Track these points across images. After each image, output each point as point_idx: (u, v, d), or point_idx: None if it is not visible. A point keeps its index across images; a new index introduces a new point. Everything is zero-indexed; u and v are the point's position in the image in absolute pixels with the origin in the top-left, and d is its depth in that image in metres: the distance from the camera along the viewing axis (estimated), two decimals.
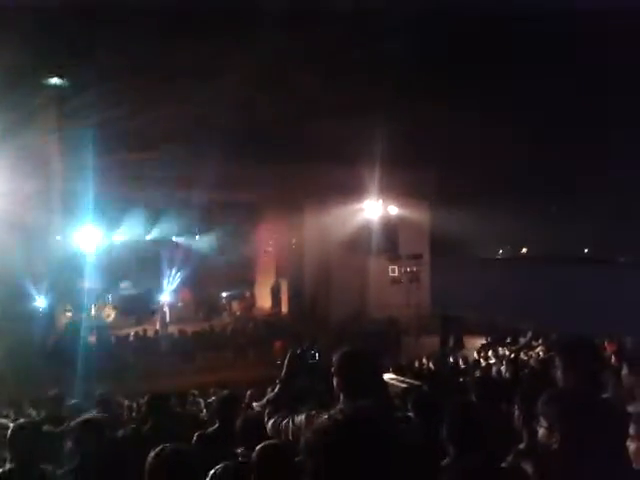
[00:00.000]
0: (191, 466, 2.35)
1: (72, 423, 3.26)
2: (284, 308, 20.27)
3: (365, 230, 18.17)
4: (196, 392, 8.03)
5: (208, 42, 13.23)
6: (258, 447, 2.48)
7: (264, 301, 21.52)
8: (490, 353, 12.23)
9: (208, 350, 15.08)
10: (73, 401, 6.02)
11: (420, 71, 15.54)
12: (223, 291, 20.80)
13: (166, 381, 11.84)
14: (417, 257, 18.62)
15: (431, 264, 19.85)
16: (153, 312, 18.79)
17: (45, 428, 4.38)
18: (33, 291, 16.05)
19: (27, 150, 12.76)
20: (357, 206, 18.41)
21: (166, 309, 18.68)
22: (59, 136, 13.94)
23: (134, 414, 7.84)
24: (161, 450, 2.33)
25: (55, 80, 14.87)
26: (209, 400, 8.20)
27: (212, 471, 2.69)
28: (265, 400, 2.76)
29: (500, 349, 13.02)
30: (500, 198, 17.75)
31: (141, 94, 13.24)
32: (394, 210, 18.76)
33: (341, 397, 2.27)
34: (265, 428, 2.86)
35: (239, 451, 3.11)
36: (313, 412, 2.29)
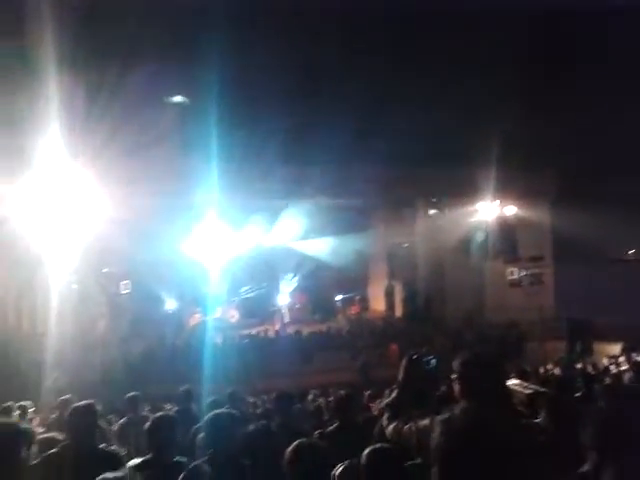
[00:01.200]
0: (326, 460, 2.51)
1: (206, 417, 3.50)
2: (398, 311, 20.23)
3: (481, 232, 17.66)
4: (317, 391, 8.29)
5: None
6: (368, 450, 2.50)
7: (378, 304, 21.61)
8: (621, 359, 11.41)
9: (325, 351, 15.45)
10: (210, 398, 6.45)
11: (536, 68, 14.85)
12: (337, 294, 21.19)
13: (287, 380, 12.31)
14: (538, 259, 17.79)
15: (554, 266, 18.85)
16: (272, 314, 19.63)
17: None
18: (164, 295, 17.44)
19: (155, 165, 13.87)
20: (472, 207, 17.96)
21: (284, 311, 19.42)
22: (184, 150, 15.02)
23: (258, 410, 8.26)
24: (299, 444, 2.52)
25: (178, 98, 16.07)
26: (329, 399, 8.43)
27: (334, 471, 2.74)
28: (384, 404, 2.80)
29: (634, 355, 12.10)
30: (627, 194, 16.40)
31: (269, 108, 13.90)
32: (512, 210, 18.07)
33: (462, 403, 2.28)
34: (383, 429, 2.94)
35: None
36: (438, 417, 2.28)
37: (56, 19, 10.66)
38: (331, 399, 8.41)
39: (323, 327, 17.83)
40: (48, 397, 9.54)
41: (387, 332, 17.14)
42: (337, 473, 2.74)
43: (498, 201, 17.94)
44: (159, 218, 15.06)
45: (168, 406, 8.68)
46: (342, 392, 5.98)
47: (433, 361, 2.63)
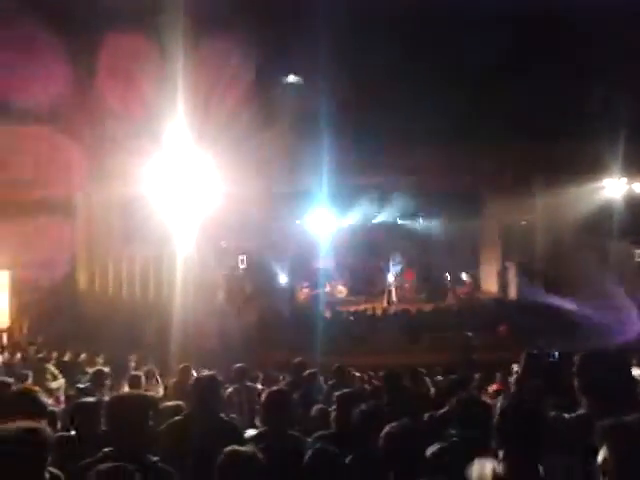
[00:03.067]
0: (420, 444, 2.51)
1: (336, 394, 3.58)
2: (512, 292, 19.47)
3: (606, 211, 16.44)
4: (424, 370, 8.27)
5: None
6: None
7: (490, 284, 20.93)
8: None
9: (433, 330, 15.32)
10: (312, 370, 6.67)
11: None
12: (447, 273, 20.79)
13: (393, 358, 12.40)
14: None
15: None
16: (380, 291, 19.72)
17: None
18: (277, 270, 18.13)
19: (270, 144, 14.31)
20: (596, 184, 16.75)
21: (392, 289, 19.42)
22: (296, 131, 15.34)
23: (365, 385, 8.41)
24: (393, 427, 2.51)
25: (292, 78, 16.36)
26: (436, 379, 8.39)
27: (428, 451, 2.70)
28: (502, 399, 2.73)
29: None
30: None
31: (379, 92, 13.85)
32: None
33: (583, 399, 2.20)
34: (487, 411, 2.88)
35: (452, 432, 3.07)
36: (553, 413, 2.24)
37: (186, 3, 11.27)
38: (439, 379, 8.39)
39: (431, 306, 17.64)
40: (170, 362, 10.34)
41: (498, 314, 16.62)
42: (432, 452, 2.71)
43: (625, 178, 16.61)
44: (274, 197, 15.62)
45: (280, 376, 9.09)
46: (454, 376, 5.92)
47: (555, 354, 2.55)
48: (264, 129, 13.72)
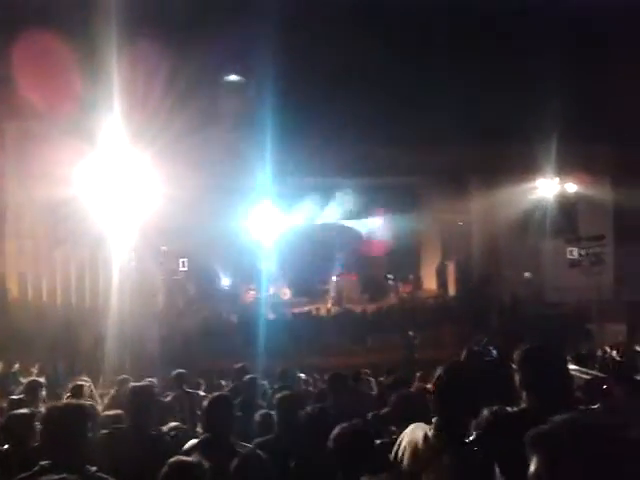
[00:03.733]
0: (370, 445, 2.50)
1: (277, 396, 3.52)
2: (451, 290, 19.97)
3: (539, 210, 17.11)
4: (368, 371, 8.32)
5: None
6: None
7: (430, 283, 21.39)
8: None
9: (377, 330, 15.48)
10: (253, 375, 6.57)
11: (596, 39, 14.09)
12: (389, 273, 21.07)
13: (338, 359, 12.44)
14: (599, 238, 17.08)
15: (615, 246, 18.11)
16: (324, 292, 19.77)
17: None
18: (220, 272, 17.87)
19: (210, 144, 14.06)
20: (530, 184, 17.40)
21: (336, 289, 19.52)
22: (238, 130, 15.16)
23: (310, 388, 8.37)
24: (344, 428, 2.51)
25: (233, 77, 16.17)
26: (380, 379, 8.45)
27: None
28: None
29: None
30: None
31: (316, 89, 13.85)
32: (572, 188, 17.41)
33: (524, 393, 2.24)
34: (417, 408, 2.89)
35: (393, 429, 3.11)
36: (495, 408, 2.27)
37: (122, 3, 10.90)
38: (382, 379, 8.46)
39: (374, 306, 17.83)
40: (107, 373, 9.97)
41: (439, 312, 16.99)
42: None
43: (558, 178, 17.32)
44: (216, 198, 15.36)
45: (224, 382, 8.92)
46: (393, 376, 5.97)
47: (494, 352, 2.59)
48: (205, 128, 13.47)
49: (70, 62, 11.72)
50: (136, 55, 11.78)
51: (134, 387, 3.51)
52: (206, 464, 2.49)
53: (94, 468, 2.54)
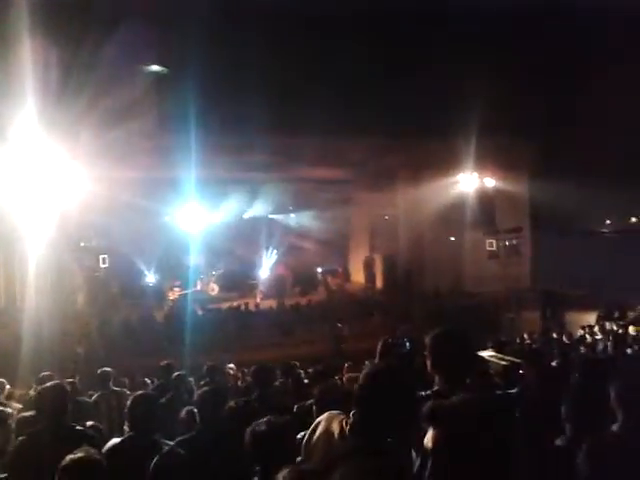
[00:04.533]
0: (287, 439, 2.48)
1: (198, 392, 3.45)
2: (378, 283, 20.41)
3: (460, 203, 17.77)
4: (297, 363, 8.36)
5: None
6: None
7: (358, 276, 21.77)
8: (596, 329, 11.71)
9: (306, 323, 15.57)
10: (180, 372, 6.47)
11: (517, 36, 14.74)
12: (318, 266, 21.27)
13: (267, 352, 12.42)
14: (516, 230, 18.00)
15: (532, 238, 19.12)
16: (253, 287, 19.68)
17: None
18: (144, 268, 17.36)
19: (132, 137, 13.60)
20: (452, 179, 18.02)
21: (264, 284, 19.48)
22: (161, 122, 14.74)
23: (239, 382, 8.32)
24: (258, 424, 2.44)
25: (155, 67, 15.67)
26: (309, 371, 8.51)
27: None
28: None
29: (607, 324, 12.44)
30: (606, 165, 16.54)
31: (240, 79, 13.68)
32: (491, 183, 18.19)
33: (435, 378, 2.32)
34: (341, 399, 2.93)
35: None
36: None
37: None
38: (310, 371, 8.52)
39: (304, 299, 17.94)
40: (26, 373, 9.49)
41: (367, 304, 17.31)
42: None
43: (477, 173, 18.02)
44: (138, 192, 14.87)
45: (148, 380, 8.71)
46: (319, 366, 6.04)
47: (407, 344, 2.66)
48: (127, 120, 13.00)
49: None
50: (50, 44, 11.19)
51: (44, 388, 3.36)
52: (104, 461, 2.42)
53: (3, 475, 2.46)
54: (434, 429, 1.85)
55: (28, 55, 10.86)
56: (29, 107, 11.24)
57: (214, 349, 12.57)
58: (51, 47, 11.13)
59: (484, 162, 17.41)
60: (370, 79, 14.57)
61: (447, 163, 17.02)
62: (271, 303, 17.77)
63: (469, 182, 18.11)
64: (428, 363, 2.36)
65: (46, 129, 11.73)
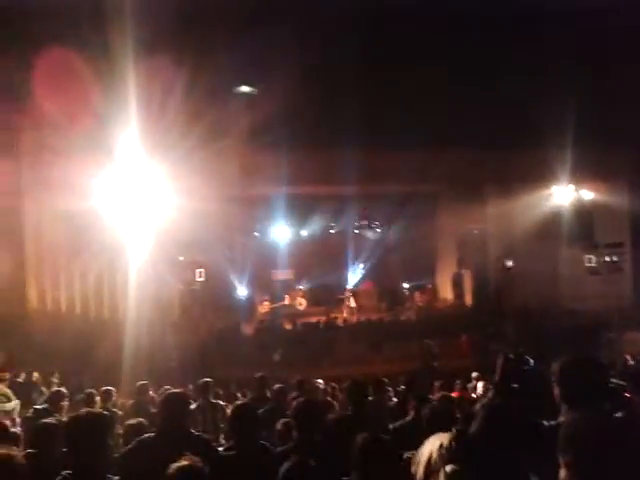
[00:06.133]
0: (393, 457, 2.48)
1: (294, 404, 3.52)
2: (467, 299, 19.84)
3: (555, 217, 16.98)
4: (386, 380, 8.27)
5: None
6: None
7: (446, 292, 21.27)
8: None
9: (393, 339, 15.41)
10: (281, 385, 6.58)
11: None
12: (405, 282, 21.01)
13: (356, 368, 12.39)
14: (617, 245, 16.95)
15: (633, 253, 17.91)
16: (339, 301, 19.75)
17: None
18: (236, 282, 17.93)
19: (225, 156, 14.17)
20: (545, 191, 17.29)
21: (351, 299, 19.49)
22: (252, 141, 15.26)
23: (328, 397, 8.34)
24: (362, 438, 2.51)
25: (245, 88, 16.27)
26: (398, 389, 8.40)
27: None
28: (479, 406, 2.71)
29: None
30: None
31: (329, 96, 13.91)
32: (588, 195, 17.28)
33: (563, 406, 2.21)
34: (450, 420, 2.86)
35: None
36: (531, 420, 2.22)
37: (135, 15, 11.08)
38: (401, 388, 8.40)
39: (390, 315, 17.77)
40: (126, 382, 10.03)
41: (456, 321, 16.88)
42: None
43: (574, 185, 17.20)
44: (230, 208, 15.44)
45: (238, 394, 8.94)
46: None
47: (530, 360, 2.54)
48: (218, 139, 13.59)
49: (88, 75, 11.92)
50: (152, 68, 11.95)
51: (169, 393, 3.53)
52: (207, 468, 2.45)
53: (116, 478, 2.58)
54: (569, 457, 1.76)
55: (132, 77, 11.67)
56: (132, 128, 12.06)
57: (302, 363, 12.72)
58: (152, 70, 11.87)
59: (581, 173, 16.59)
60: (458, 88, 14.29)
61: (540, 174, 16.35)
62: (358, 318, 17.75)
63: (564, 194, 17.30)
64: (557, 390, 2.25)
65: (147, 148, 12.51)
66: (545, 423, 2.18)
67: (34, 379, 10.02)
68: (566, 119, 14.06)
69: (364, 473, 2.37)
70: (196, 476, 2.39)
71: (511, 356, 2.56)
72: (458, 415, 3.53)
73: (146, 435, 3.35)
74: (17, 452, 2.23)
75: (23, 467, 2.18)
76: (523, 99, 13.91)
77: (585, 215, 17.27)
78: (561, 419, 2.16)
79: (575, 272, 17.38)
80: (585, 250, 17.36)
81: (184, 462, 2.41)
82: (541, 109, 13.89)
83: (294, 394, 6.62)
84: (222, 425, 6.09)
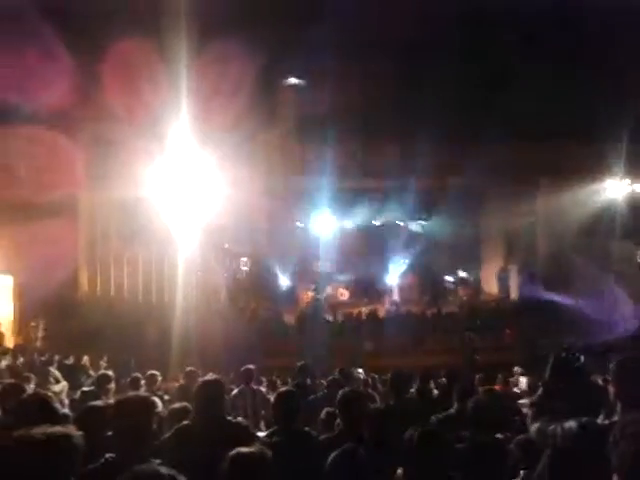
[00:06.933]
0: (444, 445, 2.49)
1: (340, 394, 3.55)
2: (513, 294, 19.43)
3: (608, 212, 16.41)
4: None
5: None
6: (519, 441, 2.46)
7: (491, 286, 20.90)
8: None
9: (436, 332, 15.29)
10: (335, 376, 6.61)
11: None
12: (449, 275, 20.77)
13: (397, 360, 12.36)
14: None
15: None
16: (382, 293, 19.71)
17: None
18: (279, 272, 18.12)
19: (271, 147, 14.30)
20: (598, 185, 16.72)
21: (394, 291, 19.42)
22: (298, 133, 15.33)
23: (369, 389, 8.37)
24: (424, 429, 2.53)
25: (294, 80, 16.34)
26: (439, 381, 8.35)
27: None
28: (529, 402, 2.69)
29: None
30: None
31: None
32: None
33: (618, 406, 2.17)
34: (495, 414, 2.84)
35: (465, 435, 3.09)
36: (585, 419, 2.21)
37: (189, 8, 11.28)
38: (442, 380, 8.35)
39: (434, 308, 17.62)
40: (173, 366, 10.30)
41: (500, 316, 16.60)
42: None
43: (628, 179, 16.58)
44: (275, 199, 15.61)
45: (278, 382, 9.05)
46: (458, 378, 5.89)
47: (581, 358, 2.50)
48: (267, 131, 13.72)
49: (144, 68, 12.22)
50: (204, 60, 12.15)
51: (204, 380, 3.61)
52: (269, 453, 2.40)
53: (158, 461, 2.55)
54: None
55: (185, 70, 11.90)
56: (184, 119, 12.32)
57: (343, 353, 12.76)
58: (205, 63, 12.08)
59: (636, 167, 15.98)
60: (512, 83, 13.95)
61: (594, 168, 15.82)
62: (400, 310, 17.66)
63: (618, 189, 16.70)
64: (612, 390, 2.21)
65: (198, 139, 12.75)
66: (599, 422, 2.15)
67: (83, 362, 10.37)
68: (622, 112, 13.55)
69: (420, 464, 2.39)
70: (261, 463, 2.34)
71: (563, 354, 2.51)
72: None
73: (184, 422, 3.42)
74: (76, 432, 2.28)
75: (82, 447, 2.21)
76: (578, 91, 13.51)
77: (639, 210, 16.64)
78: (615, 418, 2.12)
79: (627, 268, 16.80)
80: (638, 245, 16.75)
81: (243, 450, 2.36)
82: (597, 102, 13.46)
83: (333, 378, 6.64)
84: (263, 412, 6.21)
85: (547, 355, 3.00)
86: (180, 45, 11.53)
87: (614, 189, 16.73)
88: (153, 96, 12.11)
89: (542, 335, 13.58)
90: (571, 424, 2.23)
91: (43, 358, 10.06)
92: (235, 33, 11.86)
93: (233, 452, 2.36)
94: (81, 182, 13.87)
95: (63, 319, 13.41)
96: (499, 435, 2.98)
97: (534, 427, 2.44)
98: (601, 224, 16.36)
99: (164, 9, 11.33)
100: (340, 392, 3.56)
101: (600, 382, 6.08)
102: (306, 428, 3.48)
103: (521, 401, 6.14)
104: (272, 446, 2.67)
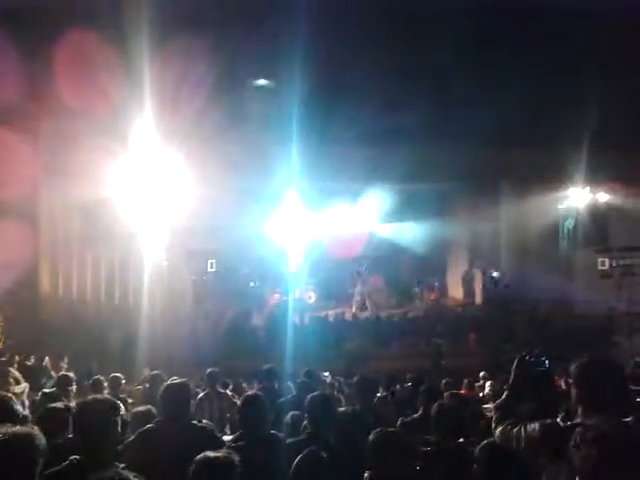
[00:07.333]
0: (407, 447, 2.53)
1: (309, 398, 3.55)
2: (477, 299, 19.76)
3: (570, 219, 16.86)
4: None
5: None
6: (484, 445, 2.49)
7: (456, 291, 21.20)
8: None
9: (402, 336, 15.41)
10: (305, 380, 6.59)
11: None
12: (415, 279, 20.96)
13: (362, 363, 12.42)
14: (632, 249, 16.80)
15: None
16: (349, 296, 19.76)
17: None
18: (247, 274, 17.99)
19: (238, 145, 14.18)
20: (561, 193, 17.15)
21: (361, 294, 19.49)
22: (266, 131, 15.25)
23: (335, 392, 8.39)
24: (380, 432, 2.54)
25: (262, 81, 16.27)
26: (405, 385, 8.42)
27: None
28: (493, 406, 2.72)
29: None
30: None
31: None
32: (604, 197, 17.11)
33: (579, 409, 2.20)
34: (459, 418, 2.88)
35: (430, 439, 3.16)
36: (548, 421, 2.23)
37: (152, 2, 11.09)
38: (407, 385, 8.42)
39: (400, 312, 17.76)
40: (138, 369, 10.14)
41: (465, 320, 16.84)
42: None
43: (589, 187, 17.04)
44: (243, 199, 15.49)
45: (244, 385, 9.00)
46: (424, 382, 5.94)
47: (546, 362, 2.53)
48: (234, 130, 13.59)
49: (104, 63, 11.95)
50: (168, 57, 11.96)
51: (169, 384, 3.56)
52: (237, 458, 2.40)
53: (122, 465, 2.55)
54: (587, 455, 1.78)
55: (147, 65, 11.69)
56: (148, 115, 12.10)
57: (311, 357, 12.74)
58: (168, 58, 11.89)
59: (597, 175, 16.44)
60: (476, 88, 14.16)
61: (557, 175, 16.21)
62: (367, 314, 17.75)
63: (580, 196, 17.15)
64: (574, 393, 2.25)
65: (162, 137, 12.56)
66: (561, 424, 2.18)
67: (44, 363, 10.17)
68: (585, 120, 13.90)
69: (380, 466, 2.40)
70: (228, 468, 2.34)
71: (527, 358, 2.54)
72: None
73: (148, 426, 3.37)
74: (38, 432, 2.24)
75: (44, 448, 2.19)
76: (542, 99, 13.79)
77: (600, 218, 17.13)
78: (577, 420, 2.15)
79: (588, 275, 17.26)
80: (599, 253, 17.23)
81: (210, 454, 2.36)
82: (561, 108, 13.75)
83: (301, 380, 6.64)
84: (229, 415, 6.16)
85: (511, 360, 3.04)
86: (142, 37, 11.27)
87: (576, 197, 17.16)
88: (114, 91, 11.85)
89: (505, 340, 13.86)
90: (534, 426, 2.25)
91: (3, 359, 9.83)
92: (200, 26, 11.73)
93: (200, 456, 2.36)
94: (38, 180, 13.51)
95: (23, 320, 13.04)
96: (462, 439, 3.04)
97: (498, 430, 2.46)
98: (563, 231, 16.80)
99: (127, 2, 11.12)
100: (309, 396, 3.54)
101: (563, 385, 6.23)
102: (272, 431, 3.45)
103: (486, 405, 6.25)
104: (238, 450, 2.64)
